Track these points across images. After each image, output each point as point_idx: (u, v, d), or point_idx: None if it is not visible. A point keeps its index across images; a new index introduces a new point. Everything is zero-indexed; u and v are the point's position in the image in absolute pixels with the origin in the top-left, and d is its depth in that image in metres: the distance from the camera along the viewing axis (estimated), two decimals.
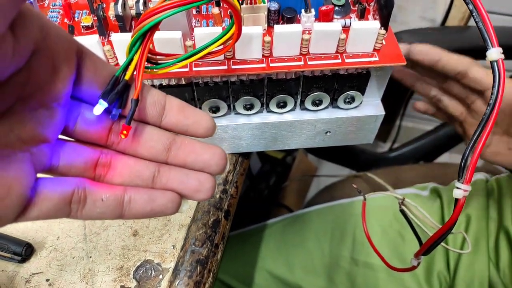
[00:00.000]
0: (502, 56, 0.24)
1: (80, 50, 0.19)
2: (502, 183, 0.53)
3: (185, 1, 0.19)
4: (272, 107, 0.32)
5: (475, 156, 0.25)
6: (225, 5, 0.32)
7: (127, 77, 0.20)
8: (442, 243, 0.29)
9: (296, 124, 0.34)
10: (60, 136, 0.19)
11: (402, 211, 0.39)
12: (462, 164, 0.26)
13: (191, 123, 0.21)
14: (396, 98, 0.95)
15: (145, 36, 0.20)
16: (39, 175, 0.18)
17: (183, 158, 0.21)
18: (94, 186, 0.19)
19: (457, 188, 0.25)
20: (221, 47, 0.23)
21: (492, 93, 0.24)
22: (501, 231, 0.49)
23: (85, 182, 0.19)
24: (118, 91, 0.19)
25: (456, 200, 0.25)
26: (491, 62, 0.23)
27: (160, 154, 0.21)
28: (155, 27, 0.20)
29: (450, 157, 1.05)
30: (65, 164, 0.19)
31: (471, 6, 0.24)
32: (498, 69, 0.24)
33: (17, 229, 0.32)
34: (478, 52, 0.31)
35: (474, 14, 0.24)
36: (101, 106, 0.19)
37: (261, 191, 0.81)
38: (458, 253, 0.49)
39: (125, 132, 0.20)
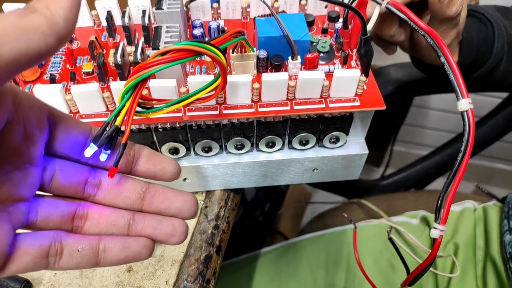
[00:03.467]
0: (471, 106, 0.26)
1: (51, 113, 0.20)
2: (489, 211, 0.54)
3: (173, 57, 0.21)
4: (262, 147, 0.34)
5: (449, 197, 0.26)
6: None
7: (117, 123, 0.21)
8: (431, 269, 0.31)
9: (285, 163, 0.35)
10: (38, 192, 0.21)
11: (390, 240, 0.40)
12: (438, 205, 0.28)
13: (158, 169, 0.23)
14: (388, 124, 0.97)
15: (136, 87, 0.22)
16: (17, 231, 0.19)
17: (157, 205, 0.22)
18: (70, 238, 0.20)
19: (434, 228, 0.27)
20: (211, 93, 0.25)
21: (463, 141, 0.25)
22: (488, 259, 0.50)
23: (62, 235, 0.20)
24: (108, 135, 0.21)
25: (434, 238, 0.27)
26: (462, 112, 0.25)
27: (135, 202, 0.22)
28: (146, 79, 0.21)
29: (440, 184, 1.07)
30: (42, 219, 0.20)
31: (443, 59, 0.27)
32: (468, 119, 0.26)
33: None
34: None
35: (446, 66, 0.26)
36: (91, 149, 0.21)
37: (256, 217, 0.81)
38: (447, 279, 0.50)
39: (112, 173, 0.21)
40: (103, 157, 0.22)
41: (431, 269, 0.31)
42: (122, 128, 0.22)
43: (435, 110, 1.08)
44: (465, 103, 0.25)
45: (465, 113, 0.25)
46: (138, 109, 0.24)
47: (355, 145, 0.36)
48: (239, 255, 0.60)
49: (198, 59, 0.34)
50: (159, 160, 0.23)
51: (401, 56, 0.67)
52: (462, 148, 0.25)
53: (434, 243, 0.27)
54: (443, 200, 0.26)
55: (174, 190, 0.23)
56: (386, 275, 0.52)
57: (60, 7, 0.17)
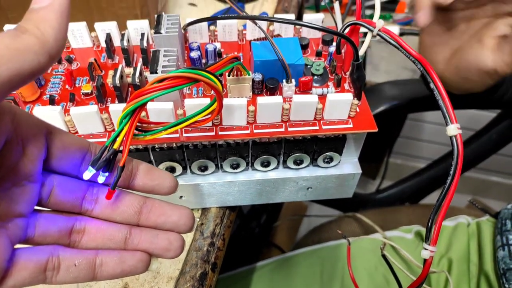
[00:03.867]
0: (460, 131, 0.26)
1: (49, 131, 0.21)
2: (482, 227, 0.55)
3: (170, 84, 0.22)
4: (257, 166, 0.35)
5: (439, 218, 0.27)
6: None
7: (115, 146, 0.22)
8: (425, 285, 0.31)
9: (280, 181, 0.36)
10: (36, 207, 0.21)
11: (383, 256, 0.41)
12: (429, 226, 0.28)
13: (156, 184, 0.23)
14: (384, 137, 0.98)
15: (134, 112, 0.22)
16: (15, 246, 0.20)
17: (153, 220, 0.23)
18: (67, 252, 0.21)
19: (424, 249, 0.28)
20: (207, 117, 0.26)
21: (451, 165, 0.26)
22: (481, 275, 0.51)
23: (59, 249, 0.21)
24: (106, 159, 0.22)
25: (425, 259, 0.28)
26: (450, 137, 0.26)
27: (132, 217, 0.23)
28: (143, 105, 0.22)
29: (434, 198, 1.08)
30: (40, 234, 0.21)
31: (432, 85, 0.27)
32: (457, 143, 0.26)
33: None
34: None
35: (435, 92, 0.27)
36: (89, 172, 0.22)
37: (252, 229, 0.82)
38: None
39: (109, 195, 0.22)
40: (101, 179, 0.22)
41: (424, 285, 0.31)
42: (121, 148, 0.22)
43: (430, 123, 1.09)
44: (453, 128, 0.26)
45: (453, 138, 0.26)
46: (136, 132, 0.25)
47: (348, 164, 0.36)
48: (234, 267, 0.60)
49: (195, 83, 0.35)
50: (156, 175, 0.23)
51: (396, 73, 0.69)
52: (451, 172, 0.26)
53: (425, 263, 0.28)
54: (433, 221, 0.27)
55: (171, 205, 0.23)
56: None
57: (50, 26, 0.18)
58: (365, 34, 0.32)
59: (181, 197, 0.37)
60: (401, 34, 0.73)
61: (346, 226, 0.63)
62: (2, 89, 0.15)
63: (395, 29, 0.72)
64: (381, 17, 0.33)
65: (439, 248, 0.54)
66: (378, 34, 0.29)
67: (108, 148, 0.22)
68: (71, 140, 0.22)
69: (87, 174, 0.22)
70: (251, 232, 0.82)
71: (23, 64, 0.16)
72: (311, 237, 0.65)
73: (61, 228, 0.21)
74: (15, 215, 0.20)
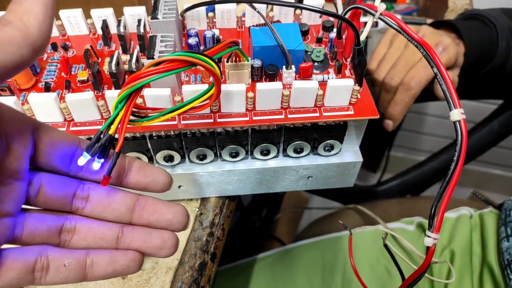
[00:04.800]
0: (464, 116, 0.26)
1: (36, 127, 0.20)
2: (485, 218, 0.54)
3: (167, 68, 0.22)
4: (256, 154, 0.34)
5: (442, 206, 0.27)
6: None
7: (111, 131, 0.21)
8: (427, 275, 0.31)
9: (279, 170, 0.35)
10: (24, 206, 0.20)
11: (385, 246, 0.40)
12: (432, 213, 0.28)
13: (150, 181, 0.22)
14: (385, 130, 0.97)
15: (130, 96, 0.22)
16: (2, 246, 0.19)
17: (146, 218, 0.22)
18: (57, 253, 0.20)
19: (427, 236, 0.27)
20: (205, 102, 0.25)
21: (455, 150, 0.26)
22: (484, 266, 0.50)
23: (48, 249, 0.20)
24: (101, 144, 0.21)
25: (428, 246, 0.27)
26: (454, 122, 0.26)
27: (124, 215, 0.22)
28: (139, 89, 0.22)
29: (436, 191, 1.07)
30: (29, 233, 0.20)
31: (435, 70, 0.27)
32: (461, 129, 0.26)
33: None
34: None
35: (438, 77, 0.27)
36: (84, 158, 0.21)
37: (253, 222, 0.81)
38: (443, 285, 0.50)
39: (105, 182, 0.21)
40: (96, 165, 0.22)
41: (426, 275, 0.31)
42: (116, 136, 0.22)
43: (431, 116, 1.08)
44: (457, 113, 0.25)
45: (457, 123, 0.25)
46: (132, 118, 0.24)
47: (349, 153, 0.36)
48: (235, 260, 0.60)
49: (193, 68, 0.34)
50: (150, 171, 0.23)
51: None
52: (455, 158, 0.26)
53: (428, 251, 0.27)
54: (437, 208, 0.27)
55: (165, 202, 0.23)
56: (382, 282, 0.52)
57: (34, 18, 0.17)
58: (365, 23, 0.32)
59: (179, 186, 0.36)
60: None
61: (347, 218, 0.62)
62: None
63: None
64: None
65: (441, 239, 0.54)
66: (380, 18, 0.29)
67: (103, 134, 0.22)
68: (60, 137, 0.21)
69: (82, 160, 0.21)
70: (252, 225, 0.82)
71: (5, 57, 0.15)
72: (312, 229, 0.65)
73: (50, 227, 0.21)
74: (1, 214, 0.19)
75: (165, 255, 0.22)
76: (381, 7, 0.28)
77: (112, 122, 0.22)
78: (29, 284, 0.20)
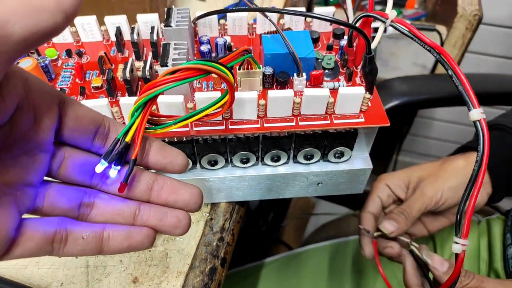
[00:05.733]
0: (484, 116, 0.26)
1: (62, 100, 0.20)
2: (492, 224, 0.54)
3: (182, 76, 0.22)
4: (267, 160, 0.35)
5: (469, 211, 0.26)
6: None
7: (127, 139, 0.22)
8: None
9: (290, 176, 0.36)
10: (46, 178, 0.21)
11: (411, 252, 0.40)
12: (458, 219, 0.27)
13: (168, 161, 0.23)
14: (393, 134, 0.97)
15: (146, 104, 0.22)
16: (23, 216, 0.19)
17: (164, 198, 0.23)
18: (76, 225, 0.21)
19: (455, 243, 0.27)
20: (218, 110, 0.26)
21: (478, 151, 0.25)
22: (491, 272, 0.50)
23: (67, 222, 0.21)
24: (118, 151, 0.22)
25: (457, 254, 0.26)
26: (474, 122, 0.25)
27: (143, 193, 0.23)
28: (155, 97, 0.22)
29: None
30: (49, 205, 0.20)
31: (450, 72, 0.27)
32: (481, 128, 0.25)
33: (23, 275, 0.34)
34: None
35: (454, 78, 0.26)
36: (101, 165, 0.22)
37: (260, 227, 0.82)
38: None
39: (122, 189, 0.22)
40: (113, 173, 0.22)
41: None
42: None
43: (439, 121, 1.08)
44: (477, 113, 0.25)
45: (477, 122, 0.25)
46: (146, 125, 0.25)
47: (359, 159, 0.36)
48: (242, 263, 0.60)
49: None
50: (169, 153, 0.23)
51: (405, 70, 0.68)
52: (478, 158, 0.25)
53: (457, 258, 0.27)
54: (463, 212, 0.26)
55: (182, 183, 0.23)
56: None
57: None
58: (375, 29, 0.32)
59: None
60: None
61: (355, 224, 0.62)
62: (16, 49, 0.15)
63: None
64: None
65: (448, 246, 0.54)
66: (391, 25, 0.29)
67: (120, 141, 0.22)
68: (85, 112, 0.21)
69: (99, 167, 0.22)
70: (259, 229, 0.82)
71: (39, 23, 0.15)
72: (319, 234, 0.65)
73: (70, 201, 0.21)
74: (24, 183, 0.19)
75: (179, 233, 0.23)
76: (392, 14, 0.29)
77: (128, 130, 0.22)
78: (47, 254, 0.20)
